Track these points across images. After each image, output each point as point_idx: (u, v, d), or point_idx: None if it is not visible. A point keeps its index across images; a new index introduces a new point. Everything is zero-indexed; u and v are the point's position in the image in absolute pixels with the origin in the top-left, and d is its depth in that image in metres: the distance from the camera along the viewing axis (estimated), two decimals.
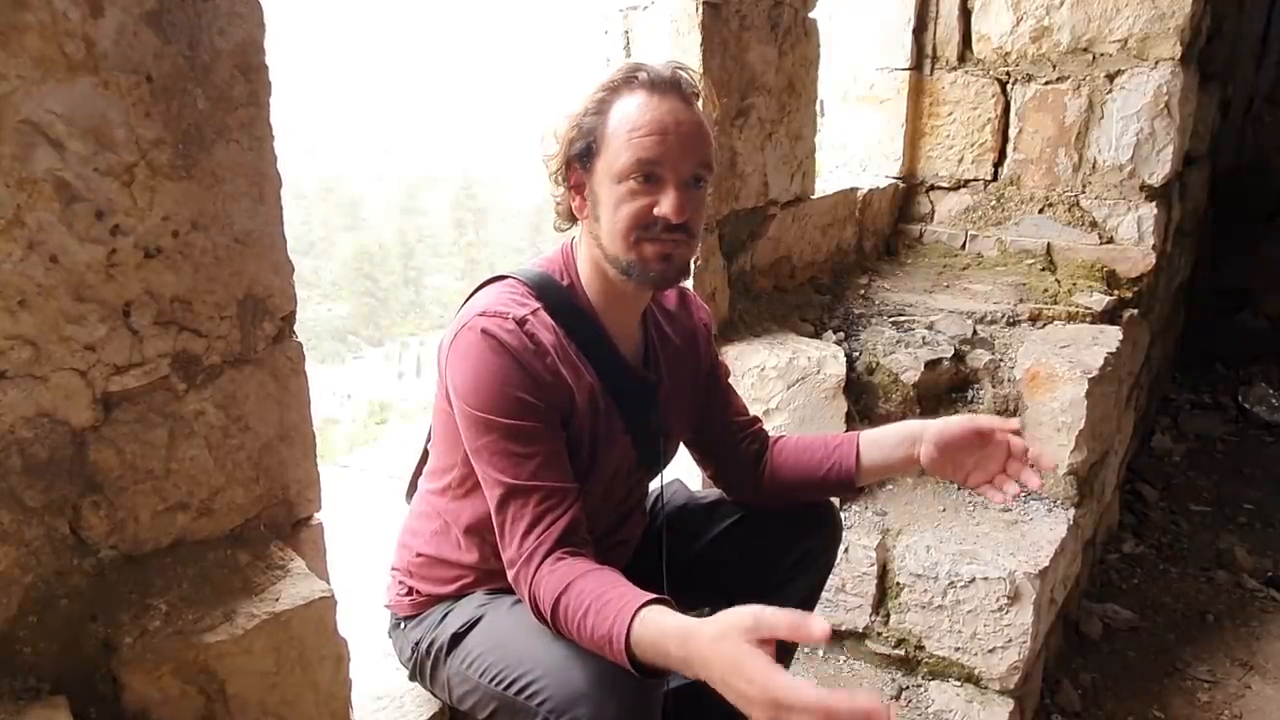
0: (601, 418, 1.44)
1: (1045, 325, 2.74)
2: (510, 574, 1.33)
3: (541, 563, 1.29)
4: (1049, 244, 3.09)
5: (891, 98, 3.20)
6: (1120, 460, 3.15)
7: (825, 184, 3.02)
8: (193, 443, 1.19)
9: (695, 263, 1.70)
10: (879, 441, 1.59)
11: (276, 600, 1.18)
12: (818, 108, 2.75)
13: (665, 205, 1.32)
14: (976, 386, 2.56)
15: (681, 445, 1.73)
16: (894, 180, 3.26)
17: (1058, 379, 2.39)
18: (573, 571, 1.25)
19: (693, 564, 1.72)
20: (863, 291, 2.89)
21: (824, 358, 2.27)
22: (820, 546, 1.74)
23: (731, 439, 1.71)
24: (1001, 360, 2.59)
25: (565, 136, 1.38)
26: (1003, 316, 2.76)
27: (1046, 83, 3.03)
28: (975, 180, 3.23)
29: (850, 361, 2.47)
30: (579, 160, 1.38)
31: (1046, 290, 2.90)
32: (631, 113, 1.34)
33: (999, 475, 1.48)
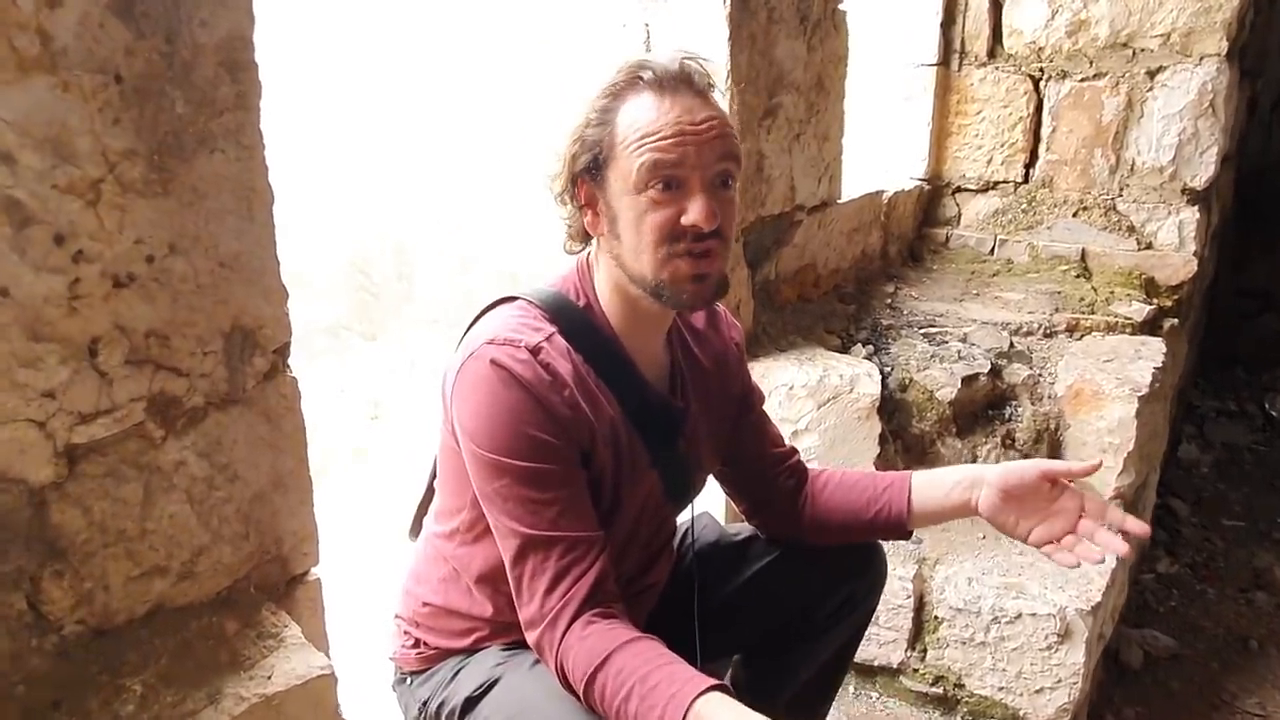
0: (625, 451, 1.29)
1: (1083, 337, 2.60)
2: (531, 636, 1.19)
3: (569, 626, 1.14)
4: (1084, 249, 2.94)
5: (917, 95, 3.04)
6: (1158, 471, 3.01)
7: (852, 186, 2.87)
8: (172, 497, 1.03)
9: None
10: (934, 483, 1.44)
11: (269, 678, 1.03)
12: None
13: (694, 212, 1.17)
14: (1015, 404, 2.41)
15: (710, 478, 1.58)
16: (919, 182, 3.11)
17: (1104, 397, 2.25)
18: (609, 641, 1.10)
19: (724, 607, 1.58)
20: (890, 301, 2.74)
21: (857, 375, 2.12)
22: (864, 590, 1.60)
23: (766, 472, 1.56)
24: (1041, 375, 2.45)
25: (569, 152, 1.23)
26: (1039, 327, 2.62)
27: (1083, 80, 2.88)
28: (1005, 182, 3.07)
29: (882, 378, 2.32)
30: (587, 174, 1.22)
31: (1083, 299, 2.76)
32: (641, 117, 1.19)
33: (1068, 535, 1.32)
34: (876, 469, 2.16)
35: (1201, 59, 2.71)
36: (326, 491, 1.23)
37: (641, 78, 1.22)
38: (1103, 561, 1.29)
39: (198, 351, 1.03)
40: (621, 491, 1.30)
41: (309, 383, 1.22)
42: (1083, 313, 2.69)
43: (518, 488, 1.18)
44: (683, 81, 1.23)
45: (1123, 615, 2.70)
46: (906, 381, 2.33)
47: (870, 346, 2.43)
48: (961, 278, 2.98)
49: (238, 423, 1.09)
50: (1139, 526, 1.29)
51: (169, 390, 1.01)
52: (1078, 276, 2.90)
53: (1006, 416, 2.40)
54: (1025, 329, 2.61)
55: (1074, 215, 2.98)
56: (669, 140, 1.17)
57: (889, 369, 2.35)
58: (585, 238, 1.30)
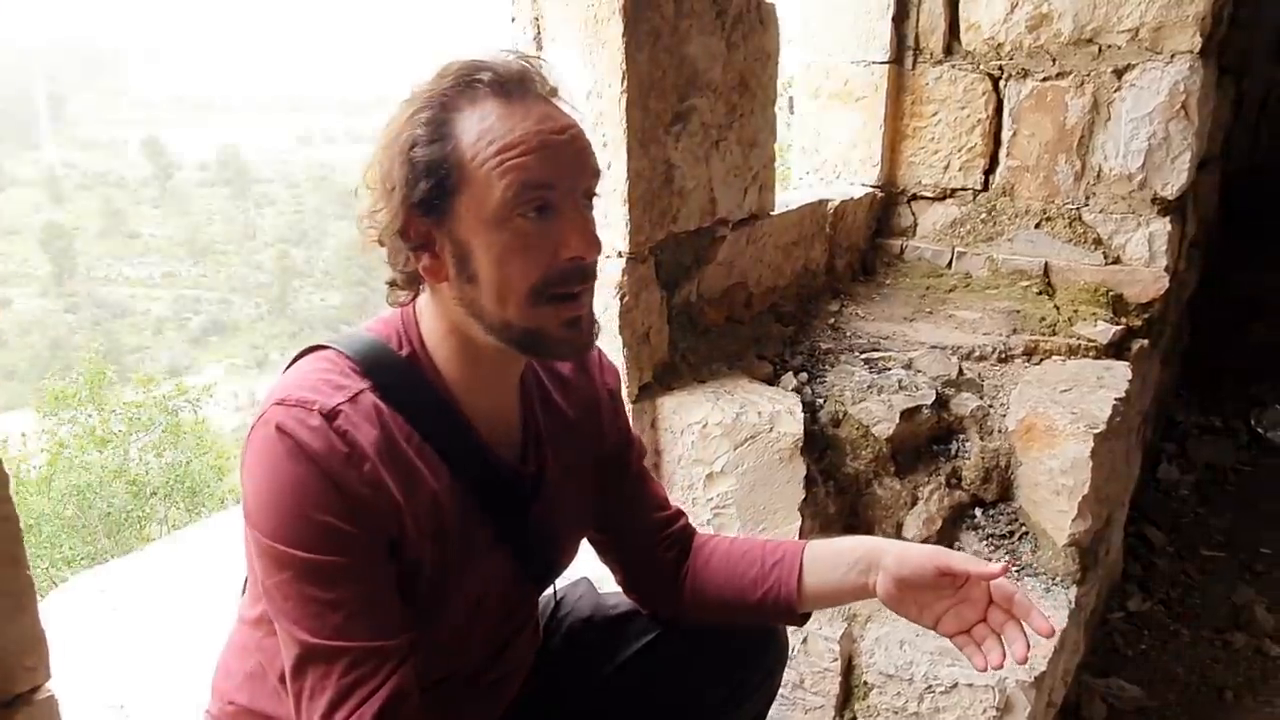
0: (456, 532, 1.08)
1: (1042, 361, 2.38)
2: None
3: None
4: (1046, 263, 2.71)
5: (869, 95, 2.82)
6: (1125, 506, 2.79)
7: (793, 195, 2.65)
8: None
9: None
10: (829, 560, 1.22)
11: None
12: (786, 106, 2.37)
13: (576, 241, 0.99)
14: (961, 438, 2.18)
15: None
16: (871, 189, 2.88)
17: (1057, 433, 2.03)
18: None
19: (598, 695, 1.36)
20: (832, 320, 2.51)
21: (777, 413, 1.90)
22: (760, 678, 1.39)
23: (645, 540, 1.35)
24: (991, 406, 2.22)
25: (395, 180, 0.99)
26: (993, 351, 2.39)
27: (1045, 79, 2.65)
28: (963, 190, 2.85)
29: (813, 411, 2.09)
30: (423, 207, 0.99)
31: (1044, 319, 2.53)
32: (493, 128, 0.98)
33: (979, 625, 1.11)
34: (802, 514, 1.94)
35: (1173, 56, 2.48)
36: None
37: (480, 81, 1.00)
38: (1001, 663, 1.09)
39: None
40: (450, 581, 1.08)
41: None
42: (1043, 334, 2.47)
43: (300, 584, 0.97)
44: (528, 85, 1.01)
45: (1086, 663, 2.48)
46: (840, 415, 2.10)
47: (804, 374, 2.21)
48: (915, 294, 2.75)
49: None
50: (1043, 624, 1.09)
51: None
52: (1040, 293, 2.68)
53: (953, 453, 2.17)
54: (978, 353, 2.39)
55: (1036, 226, 2.75)
56: (535, 154, 0.96)
57: (821, 400, 2.13)
58: (415, 285, 1.08)
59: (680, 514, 1.38)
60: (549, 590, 1.35)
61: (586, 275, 1.04)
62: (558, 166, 0.99)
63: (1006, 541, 2.13)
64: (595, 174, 1.05)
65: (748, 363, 2.20)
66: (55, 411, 10.12)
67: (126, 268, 46.88)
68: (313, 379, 1.02)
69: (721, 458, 1.92)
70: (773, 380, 2.17)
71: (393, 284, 1.08)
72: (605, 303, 1.83)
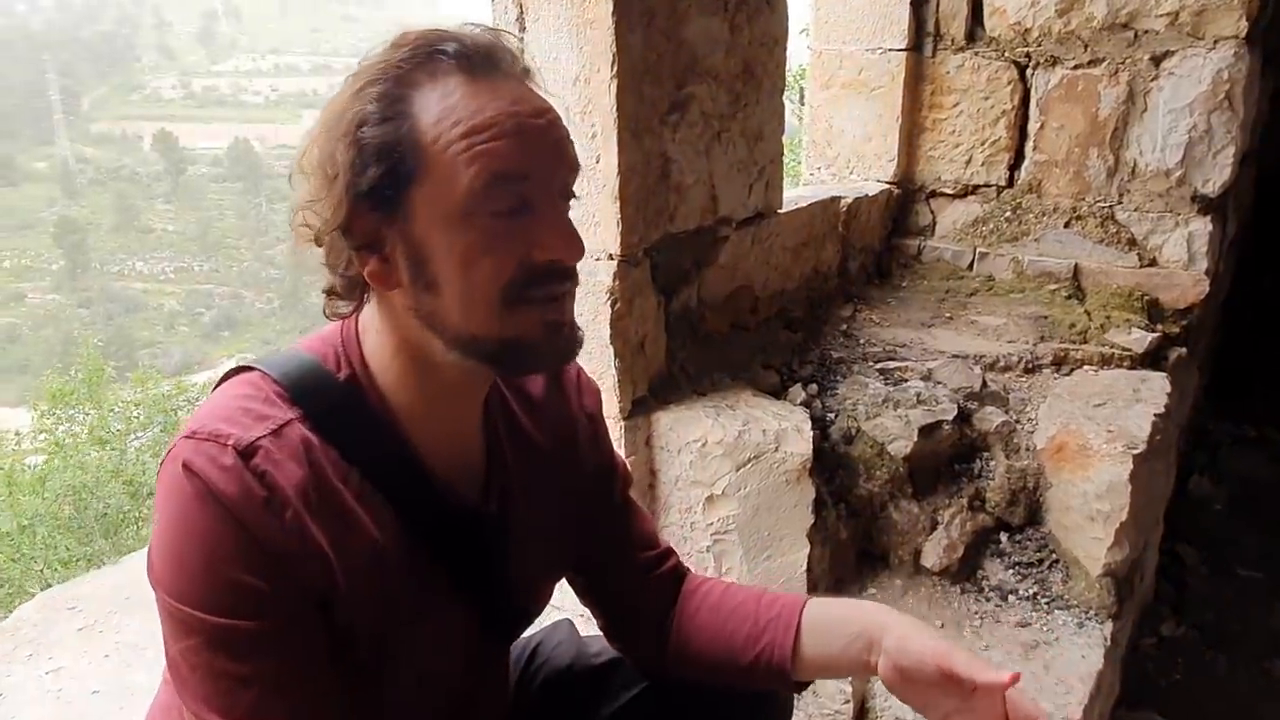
0: (400, 585, 0.92)
1: (1073, 371, 2.20)
2: None
3: None
4: (1076, 265, 2.53)
5: (885, 85, 2.64)
6: (1161, 524, 2.60)
7: (803, 191, 2.47)
8: None
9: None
10: (828, 626, 1.05)
11: None
12: (796, 97, 2.19)
13: (554, 241, 0.84)
14: (985, 457, 2.01)
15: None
16: (887, 186, 2.70)
17: (1091, 453, 1.85)
18: None
19: None
20: (845, 326, 2.33)
21: (784, 430, 1.73)
22: None
23: (628, 584, 1.18)
24: (1018, 422, 2.05)
25: (340, 166, 0.82)
26: (1019, 361, 2.21)
27: (1076, 66, 2.46)
28: (986, 186, 2.66)
29: (823, 427, 1.92)
30: (371, 201, 0.82)
31: (1074, 325, 2.35)
32: (458, 106, 0.82)
33: None
34: (811, 541, 1.77)
35: (1216, 42, 2.29)
36: None
37: (443, 53, 0.83)
38: None
39: None
40: (395, 644, 0.92)
41: None
42: (1073, 342, 2.29)
43: (208, 654, 0.81)
44: (497, 61, 0.85)
45: (1118, 696, 2.31)
46: (852, 432, 1.93)
47: (813, 386, 2.04)
48: (934, 298, 2.57)
49: None
50: None
51: None
52: (1069, 298, 2.49)
53: (976, 472, 2.00)
54: (1003, 362, 2.21)
55: (1065, 225, 2.57)
56: (508, 139, 0.80)
57: (832, 415, 1.96)
58: (360, 293, 0.91)
59: (669, 553, 1.21)
60: (523, 637, 1.19)
61: (567, 276, 0.88)
62: (534, 155, 0.83)
63: (1035, 570, 1.95)
64: (574, 168, 0.88)
65: (753, 373, 2.03)
66: (53, 410, 10.02)
67: (139, 262, 47.03)
68: (231, 407, 0.85)
69: (722, 479, 1.75)
70: (779, 392, 2.00)
71: (331, 292, 0.91)
72: (595, 310, 1.67)
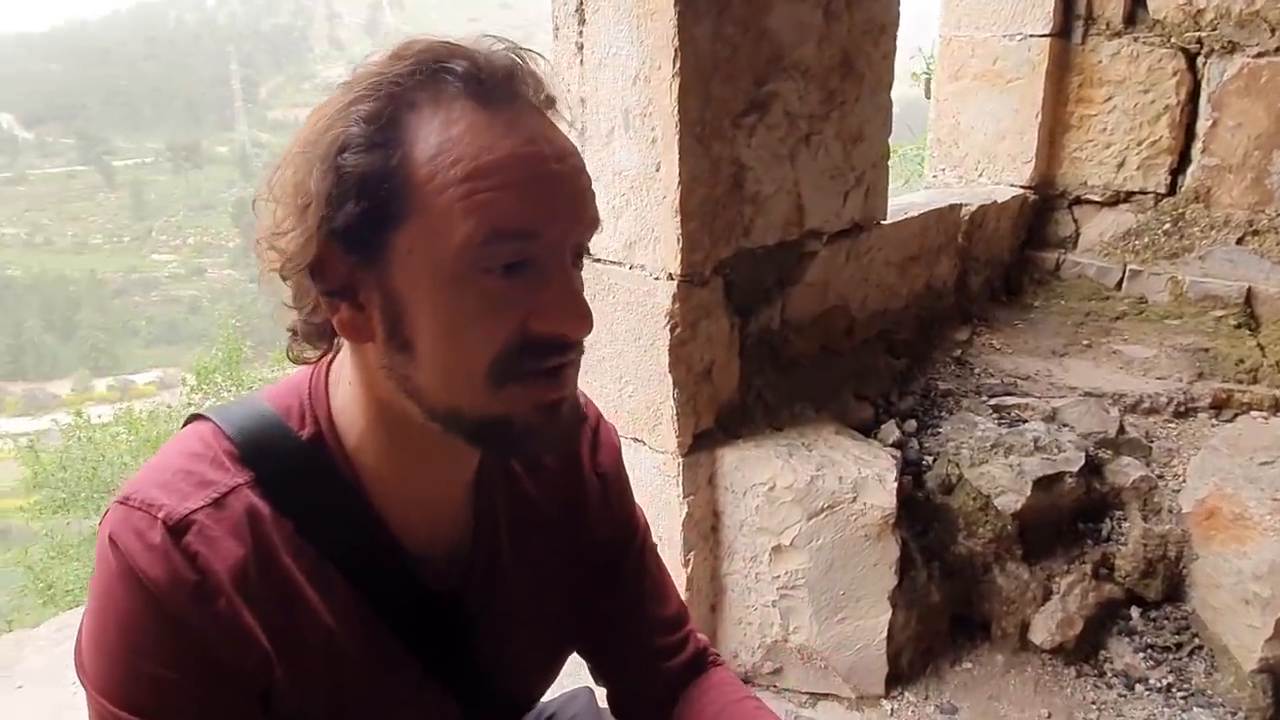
0: (359, 680, 0.79)
1: (1236, 418, 1.86)
2: None
3: None
4: (1250, 289, 2.15)
5: (1024, 76, 2.33)
6: None
7: (916, 197, 2.21)
8: None
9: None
10: None
11: None
12: (919, 91, 1.94)
13: (557, 312, 0.70)
14: (1118, 516, 1.72)
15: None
16: (1022, 190, 2.39)
17: (1251, 524, 1.54)
18: None
19: None
20: (958, 352, 2.06)
21: (864, 479, 1.50)
22: None
23: (637, 675, 1.02)
24: (1162, 477, 1.74)
25: (316, 194, 0.68)
26: (1169, 402, 1.89)
27: (1260, 54, 2.09)
28: (1142, 193, 2.31)
29: (918, 472, 1.68)
30: (347, 241, 0.69)
31: (1242, 361, 1.99)
32: (461, 140, 0.67)
33: None
34: (894, 604, 1.55)
35: None
36: None
37: (450, 72, 0.68)
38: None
39: None
40: None
41: None
42: (1239, 382, 1.94)
43: None
44: (516, 88, 0.70)
45: None
46: (953, 480, 1.67)
47: (912, 422, 1.79)
48: (1071, 321, 2.25)
49: None
50: None
51: None
52: (1238, 327, 2.12)
53: (1104, 534, 1.71)
54: (1148, 403, 1.89)
55: (1238, 241, 2.19)
56: (517, 189, 0.67)
57: (930, 459, 1.71)
58: (327, 339, 0.78)
59: (688, 640, 1.03)
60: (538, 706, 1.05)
61: (568, 347, 0.71)
62: (546, 210, 0.67)
63: (1172, 656, 1.65)
64: (593, 225, 0.72)
65: (842, 404, 1.81)
66: (200, 386, 10.73)
67: None
68: (171, 469, 0.74)
69: (792, 528, 1.54)
70: (871, 428, 1.77)
71: (300, 335, 0.79)
72: (652, 335, 1.50)
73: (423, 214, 0.66)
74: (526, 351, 0.69)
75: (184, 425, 0.81)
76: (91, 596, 0.73)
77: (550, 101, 0.72)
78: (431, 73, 0.68)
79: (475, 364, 0.68)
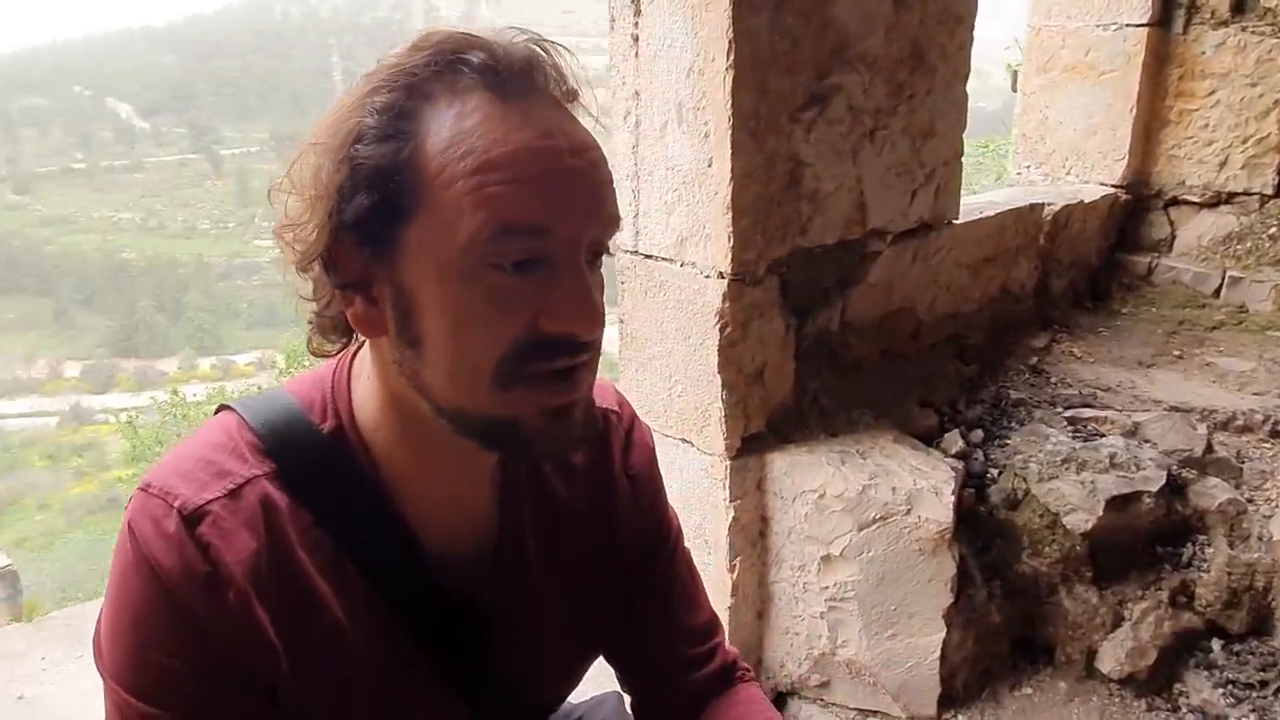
0: (365, 671, 0.79)
1: None
2: None
3: None
4: None
5: (1118, 68, 2.19)
6: None
7: (994, 196, 2.12)
8: None
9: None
10: None
11: None
12: (1006, 83, 1.85)
13: (569, 311, 0.68)
14: (1201, 541, 1.60)
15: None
16: (1113, 189, 2.25)
17: None
18: None
19: None
20: (1034, 360, 1.96)
21: (919, 490, 1.44)
22: None
23: (665, 672, 1.00)
24: (1252, 501, 1.62)
25: (327, 186, 0.68)
26: (1264, 420, 1.75)
27: None
28: (1246, 194, 2.16)
29: (981, 485, 1.60)
30: (358, 234, 0.69)
31: None
32: (474, 132, 0.66)
33: None
34: (949, 623, 1.48)
35: None
36: None
37: (467, 63, 0.68)
38: None
39: None
40: None
41: None
42: None
43: None
44: (534, 80, 0.69)
45: None
46: (1019, 495, 1.59)
47: (978, 432, 1.71)
48: (1162, 330, 2.11)
49: None
50: None
51: None
52: None
53: (1184, 560, 1.60)
54: (1241, 421, 1.76)
55: None
56: (529, 184, 0.65)
57: (996, 471, 1.62)
58: (344, 333, 0.78)
59: (716, 651, 1.00)
60: (564, 708, 1.03)
61: (579, 348, 0.70)
62: (560, 205, 0.65)
63: (1255, 694, 1.53)
64: (611, 222, 0.70)
65: (905, 411, 1.73)
66: (289, 368, 11.15)
67: None
68: (194, 458, 0.75)
69: (842, 538, 1.49)
70: (935, 437, 1.69)
71: (317, 328, 0.79)
72: (702, 334, 1.46)
73: (433, 207, 0.65)
74: (535, 352, 0.67)
75: (215, 414, 0.83)
76: (110, 582, 0.74)
77: (572, 94, 0.70)
78: (448, 64, 0.67)
79: (481, 362, 0.67)
